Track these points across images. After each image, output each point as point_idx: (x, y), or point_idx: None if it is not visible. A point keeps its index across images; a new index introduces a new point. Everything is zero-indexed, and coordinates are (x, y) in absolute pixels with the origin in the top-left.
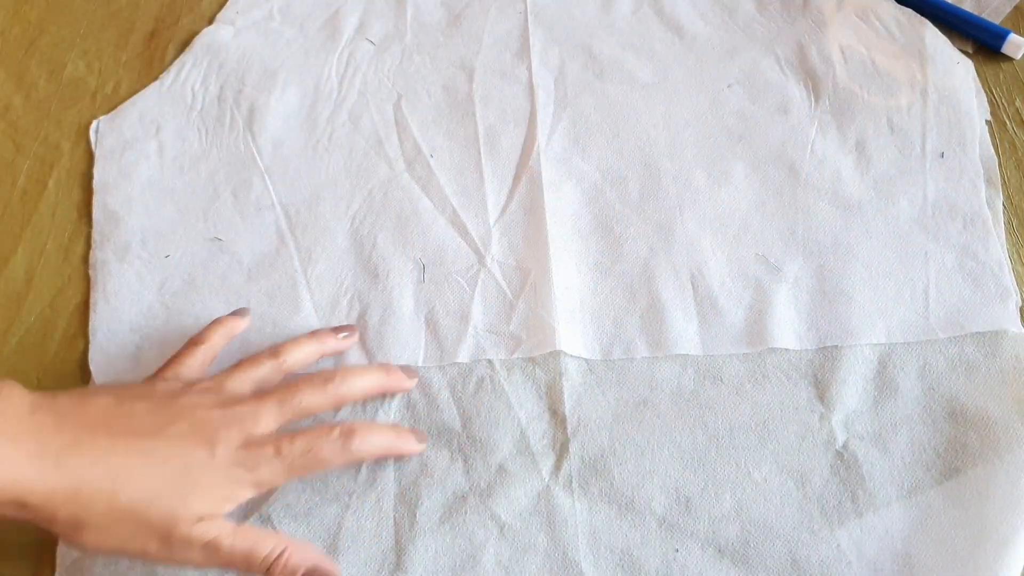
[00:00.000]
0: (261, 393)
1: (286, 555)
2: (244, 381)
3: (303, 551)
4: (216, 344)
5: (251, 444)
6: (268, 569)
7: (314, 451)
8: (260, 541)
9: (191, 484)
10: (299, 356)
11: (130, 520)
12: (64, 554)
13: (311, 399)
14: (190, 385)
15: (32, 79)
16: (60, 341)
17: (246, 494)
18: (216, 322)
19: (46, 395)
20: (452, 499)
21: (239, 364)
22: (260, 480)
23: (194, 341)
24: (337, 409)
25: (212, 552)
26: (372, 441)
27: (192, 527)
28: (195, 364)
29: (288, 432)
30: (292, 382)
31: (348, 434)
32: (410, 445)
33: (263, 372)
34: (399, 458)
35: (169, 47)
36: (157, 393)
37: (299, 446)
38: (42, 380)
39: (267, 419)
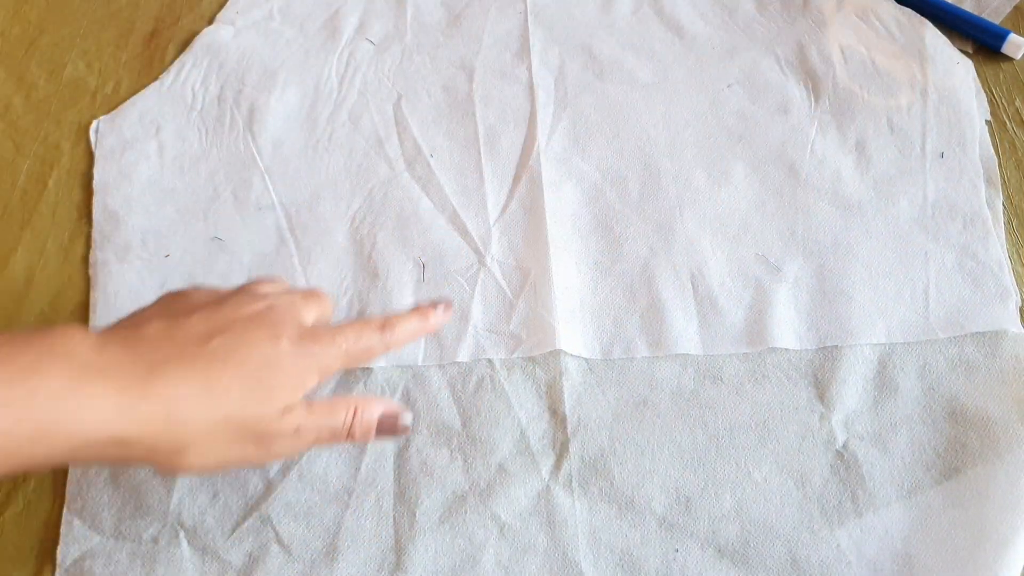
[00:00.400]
0: (291, 293)
1: (359, 414)
2: (264, 288)
3: (370, 405)
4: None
5: (307, 334)
6: (349, 433)
7: (363, 339)
8: (334, 411)
9: (270, 379)
10: (406, 332)
11: (227, 429)
12: (64, 553)
13: (326, 302)
14: (218, 293)
15: (32, 79)
16: None
17: (313, 380)
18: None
19: (104, 332)
20: (452, 499)
21: (252, 281)
22: (323, 366)
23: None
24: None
25: (301, 437)
26: (407, 328)
27: (281, 421)
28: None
29: (336, 324)
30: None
31: (387, 325)
32: (437, 319)
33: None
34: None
35: (169, 47)
36: (196, 304)
37: (351, 334)
38: None
39: (307, 311)
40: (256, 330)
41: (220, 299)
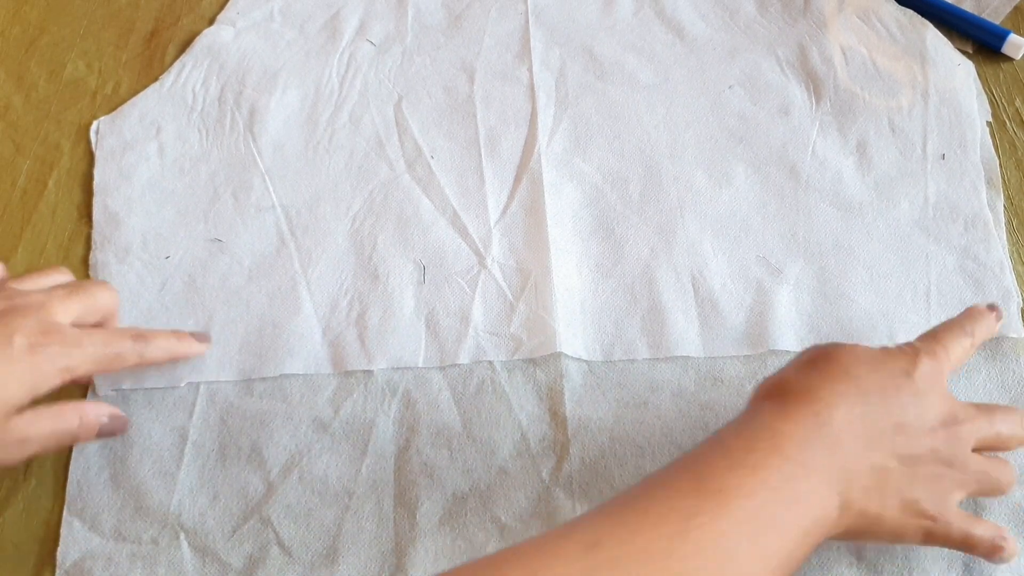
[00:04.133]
0: (54, 290)
1: (82, 415)
2: (31, 283)
3: (95, 407)
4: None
5: (49, 332)
6: (75, 435)
7: (113, 345)
8: (60, 417)
9: None
10: (160, 349)
11: None
12: (64, 554)
13: (103, 295)
14: None
15: (32, 79)
16: None
17: (54, 381)
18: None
19: None
20: (452, 500)
21: (29, 273)
22: (65, 366)
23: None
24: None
25: (25, 447)
26: (160, 345)
27: (5, 425)
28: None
29: (85, 325)
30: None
31: (141, 337)
32: (193, 348)
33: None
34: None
35: (169, 47)
36: None
37: (99, 338)
38: None
39: (61, 308)
40: None
41: None
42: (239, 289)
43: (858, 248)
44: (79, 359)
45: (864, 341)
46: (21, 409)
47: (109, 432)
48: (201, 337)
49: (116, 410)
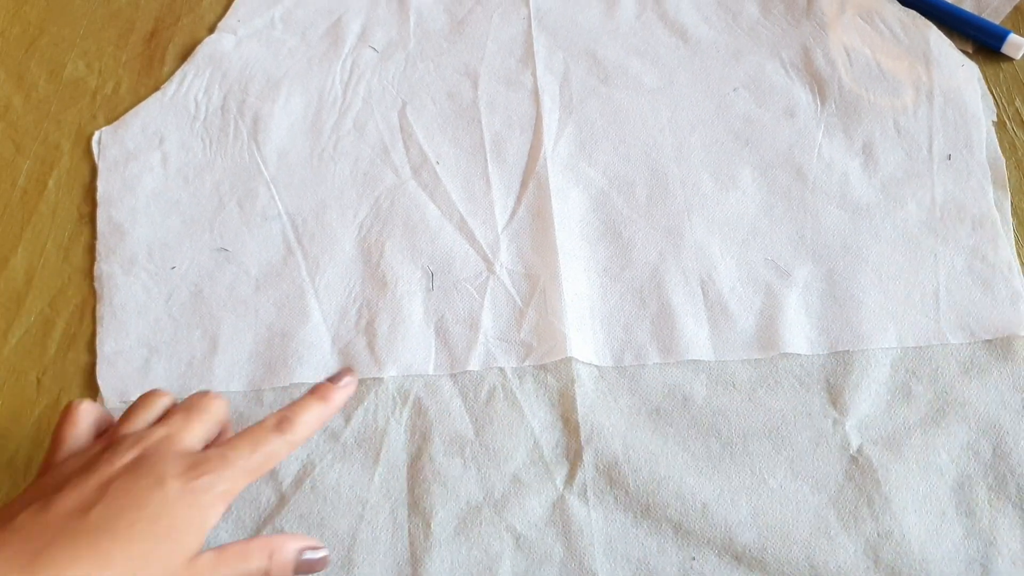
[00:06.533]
0: (168, 418)
1: (275, 555)
2: (139, 421)
3: (286, 543)
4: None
5: (195, 465)
6: (266, 574)
7: (260, 447)
8: (247, 556)
9: (168, 531)
10: (308, 425)
11: None
12: None
13: (216, 406)
14: (86, 454)
15: (32, 79)
16: (60, 341)
17: (217, 511)
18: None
19: None
20: (466, 510)
21: (129, 408)
22: (223, 491)
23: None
24: (292, 450)
25: None
26: (306, 422)
27: (188, 573)
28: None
29: (223, 441)
30: (186, 400)
31: (283, 423)
32: (339, 399)
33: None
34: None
35: (169, 47)
36: (66, 475)
37: (245, 448)
38: (42, 380)
39: (188, 435)
40: (136, 483)
41: (88, 461)
42: (247, 298)
43: (866, 250)
44: (234, 478)
45: (874, 343)
46: (198, 553)
47: (308, 569)
48: (340, 376)
49: (314, 540)
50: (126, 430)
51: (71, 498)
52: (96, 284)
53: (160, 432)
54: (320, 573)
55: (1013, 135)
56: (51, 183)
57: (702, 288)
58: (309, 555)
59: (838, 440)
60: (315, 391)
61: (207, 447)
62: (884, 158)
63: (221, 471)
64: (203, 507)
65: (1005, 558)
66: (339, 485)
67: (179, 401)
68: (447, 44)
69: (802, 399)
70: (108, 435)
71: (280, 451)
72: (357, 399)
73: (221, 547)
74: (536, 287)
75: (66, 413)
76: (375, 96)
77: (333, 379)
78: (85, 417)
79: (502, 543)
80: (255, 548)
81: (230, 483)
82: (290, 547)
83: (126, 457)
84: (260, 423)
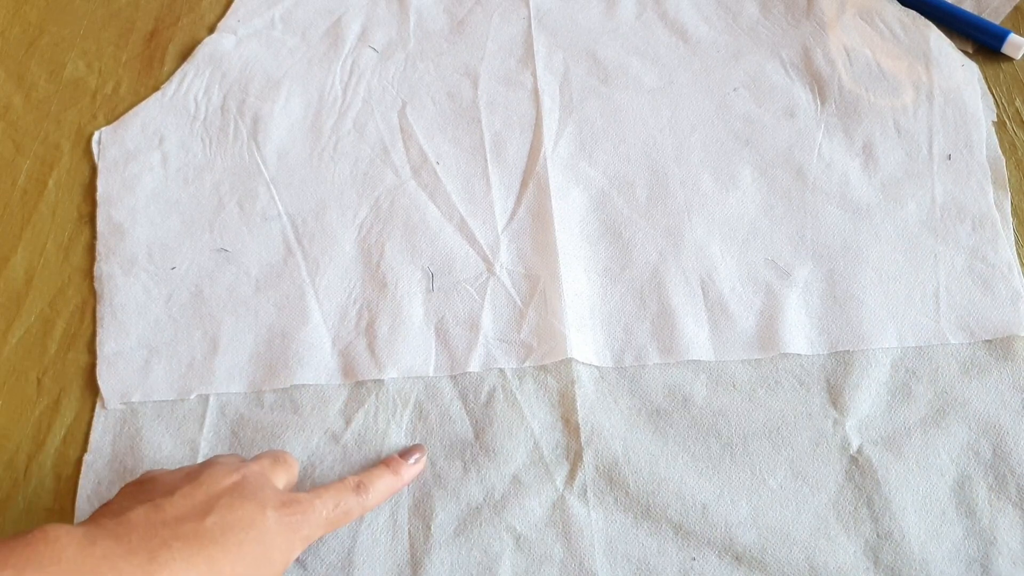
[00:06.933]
0: (258, 459)
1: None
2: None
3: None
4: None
5: (289, 502)
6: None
7: (341, 504)
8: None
9: (266, 556)
10: (380, 492)
11: None
12: None
13: (293, 464)
14: (186, 470)
15: (32, 79)
16: (60, 341)
17: (299, 550)
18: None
19: (88, 526)
20: (467, 511)
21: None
22: (306, 535)
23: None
24: (363, 512)
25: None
26: (380, 489)
27: None
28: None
29: (311, 489)
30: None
31: (361, 487)
32: (408, 476)
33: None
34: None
35: (169, 47)
36: (172, 483)
37: (329, 500)
38: (42, 380)
39: (274, 478)
40: (242, 504)
41: (192, 474)
42: (247, 299)
43: (866, 250)
44: (315, 525)
45: (874, 343)
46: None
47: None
48: (411, 452)
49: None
50: (221, 459)
51: (183, 504)
52: (96, 284)
53: (256, 466)
54: (317, 571)
55: (1013, 135)
56: (51, 183)
57: (702, 288)
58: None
59: (838, 440)
60: (388, 463)
61: None
62: (884, 158)
63: (309, 515)
64: (292, 543)
65: (1005, 558)
66: None
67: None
68: (447, 44)
69: (802, 399)
70: (206, 461)
71: (354, 511)
72: (357, 402)
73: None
74: (536, 288)
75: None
76: (375, 96)
77: (404, 454)
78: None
79: (502, 544)
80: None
81: (313, 529)
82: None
83: (229, 479)
84: (341, 482)
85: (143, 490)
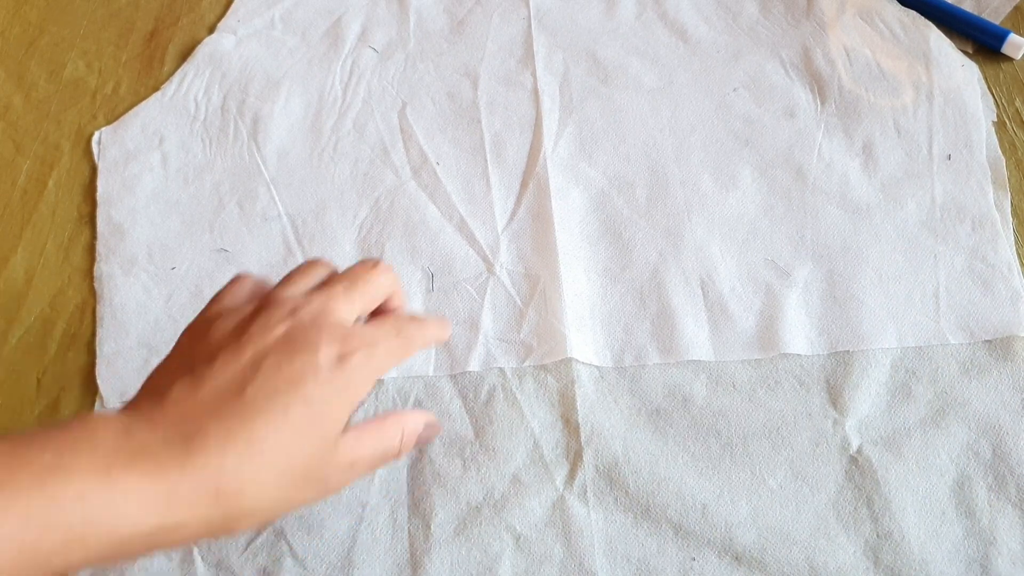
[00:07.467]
0: (328, 287)
1: (406, 430)
2: (298, 287)
3: (413, 417)
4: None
5: (348, 337)
6: (396, 452)
7: (403, 333)
8: (385, 432)
9: (320, 415)
10: (432, 327)
11: (281, 482)
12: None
13: (381, 280)
14: (239, 314)
15: (32, 79)
16: (60, 341)
17: (366, 389)
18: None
19: (128, 410)
20: (466, 510)
21: (289, 274)
22: (374, 369)
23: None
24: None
25: (355, 469)
26: (430, 324)
27: (336, 456)
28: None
29: (370, 320)
30: (350, 270)
31: (416, 318)
32: (448, 331)
33: (318, 278)
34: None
35: (169, 47)
36: (217, 342)
37: (390, 329)
38: (42, 380)
39: (346, 307)
40: (289, 361)
41: (240, 326)
42: None
43: (866, 250)
44: (381, 358)
45: (874, 343)
46: (342, 433)
47: (425, 440)
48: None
49: (430, 415)
50: (283, 294)
51: (224, 374)
52: (96, 284)
53: (316, 303)
54: (317, 570)
55: (1013, 135)
56: (51, 183)
57: (702, 288)
58: (429, 428)
59: (838, 440)
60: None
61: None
62: (884, 158)
63: (371, 350)
64: (354, 385)
65: (1005, 558)
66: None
67: (339, 271)
68: (447, 44)
69: (802, 399)
70: (265, 297)
71: (416, 340)
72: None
73: (359, 426)
74: (536, 287)
75: (232, 281)
76: (375, 96)
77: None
78: (246, 284)
79: (502, 544)
80: (390, 425)
81: (379, 361)
82: (417, 421)
83: (278, 329)
84: (395, 313)
85: (192, 348)
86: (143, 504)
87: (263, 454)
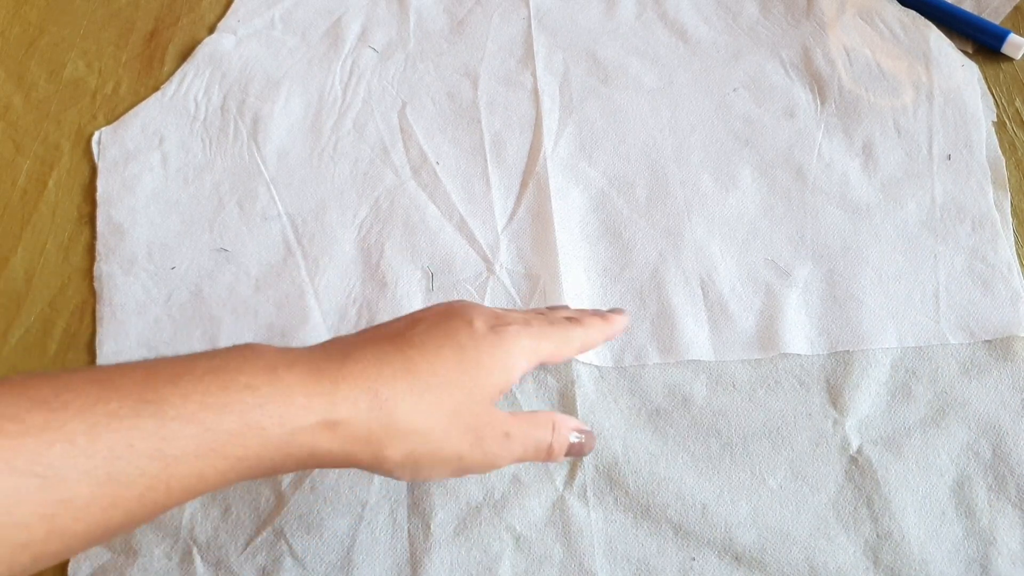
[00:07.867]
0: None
1: (557, 430)
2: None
3: (566, 422)
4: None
5: (501, 315)
6: (548, 450)
7: (557, 326)
8: (537, 423)
9: (475, 362)
10: (596, 329)
11: (437, 414)
12: (76, 569)
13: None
14: None
15: (32, 79)
16: (60, 341)
17: (521, 365)
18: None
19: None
20: (466, 510)
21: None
22: (529, 348)
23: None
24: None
25: (511, 443)
26: (595, 325)
27: (492, 415)
28: None
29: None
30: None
31: (575, 320)
32: (621, 324)
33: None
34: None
35: (169, 47)
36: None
37: (543, 320)
38: None
39: (528, 336)
40: (447, 320)
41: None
42: (246, 299)
43: (866, 250)
44: (537, 337)
45: (874, 343)
46: (498, 404)
47: (578, 452)
48: (617, 312)
49: (585, 425)
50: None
51: (386, 328)
52: (96, 284)
53: (514, 315)
54: (316, 570)
55: (1013, 135)
56: (51, 183)
57: (702, 288)
58: (576, 438)
59: (838, 440)
60: (597, 313)
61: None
62: (884, 158)
63: (525, 327)
64: (509, 352)
65: (1005, 558)
66: (339, 486)
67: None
68: (447, 44)
69: (802, 399)
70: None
71: (573, 338)
72: None
73: (513, 411)
74: (536, 287)
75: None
76: (375, 96)
77: (617, 311)
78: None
79: (502, 544)
80: (542, 419)
81: (534, 340)
82: (569, 425)
83: (439, 306)
84: (555, 315)
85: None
86: (308, 396)
87: (416, 376)
